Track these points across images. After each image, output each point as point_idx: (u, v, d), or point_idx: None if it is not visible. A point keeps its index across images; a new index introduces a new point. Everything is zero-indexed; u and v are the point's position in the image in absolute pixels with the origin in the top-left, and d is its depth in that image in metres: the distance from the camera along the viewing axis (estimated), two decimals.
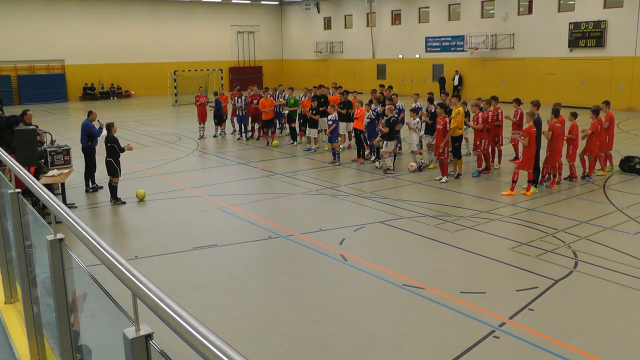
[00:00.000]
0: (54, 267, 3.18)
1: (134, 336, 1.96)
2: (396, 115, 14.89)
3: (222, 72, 40.99)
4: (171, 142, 20.46)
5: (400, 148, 16.52)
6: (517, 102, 14.49)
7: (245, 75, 45.26)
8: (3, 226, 5.14)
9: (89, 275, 2.72)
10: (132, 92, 42.48)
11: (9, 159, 4.46)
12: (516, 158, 14.78)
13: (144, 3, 42.34)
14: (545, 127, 12.49)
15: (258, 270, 8.49)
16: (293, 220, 10.78)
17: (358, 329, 6.47)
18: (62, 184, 11.47)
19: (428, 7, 36.83)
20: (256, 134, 20.74)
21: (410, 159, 15.09)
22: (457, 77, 34.94)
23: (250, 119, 20.60)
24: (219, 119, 21.20)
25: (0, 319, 4.95)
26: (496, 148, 14.75)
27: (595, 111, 13.25)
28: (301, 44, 47.81)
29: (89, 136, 12.78)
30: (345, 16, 43.44)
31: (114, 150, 11.81)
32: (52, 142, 12.67)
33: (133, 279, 1.99)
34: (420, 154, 15.13)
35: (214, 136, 21.46)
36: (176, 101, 35.66)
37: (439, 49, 36.47)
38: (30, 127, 10.74)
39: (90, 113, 13.05)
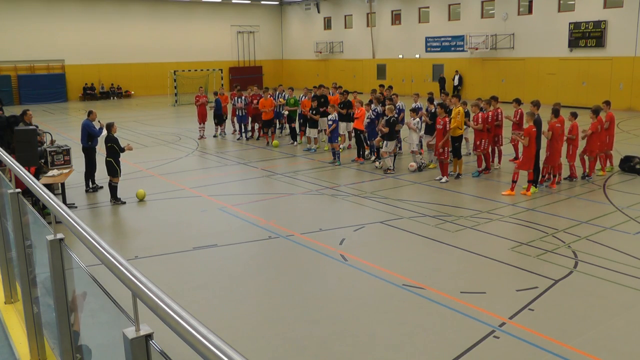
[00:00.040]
0: (54, 267, 3.19)
1: (134, 336, 1.96)
2: (396, 115, 14.90)
3: (222, 72, 40.99)
4: (171, 142, 20.46)
5: (400, 148, 16.52)
6: (517, 102, 14.49)
7: (245, 75, 45.26)
8: (3, 226, 5.14)
9: (89, 275, 2.73)
10: (132, 92, 42.48)
11: (9, 159, 4.46)
12: (516, 158, 14.78)
13: (144, 3, 42.35)
14: (545, 127, 12.49)
15: (258, 270, 8.49)
16: (293, 220, 10.78)
17: (358, 329, 6.47)
18: (62, 184, 11.47)
19: (428, 7, 36.83)
20: (256, 134, 20.74)
21: (410, 159, 15.10)
22: (457, 77, 34.95)
23: (250, 119, 20.60)
24: (219, 119, 21.20)
25: (0, 319, 4.95)
26: (496, 148, 14.75)
27: (596, 111, 13.25)
28: (301, 44, 47.81)
29: (89, 136, 12.78)
30: (345, 16, 43.44)
31: (114, 150, 11.81)
32: (52, 142, 12.67)
33: (133, 279, 1.99)
34: (420, 154, 15.14)
35: (214, 136, 21.46)
36: (176, 101, 35.66)
37: (439, 49, 36.47)
38: (30, 127, 10.74)
39: (90, 113, 13.05)
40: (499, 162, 14.93)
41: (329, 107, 16.73)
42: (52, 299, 3.36)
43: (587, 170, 13.35)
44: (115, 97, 41.22)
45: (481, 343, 6.04)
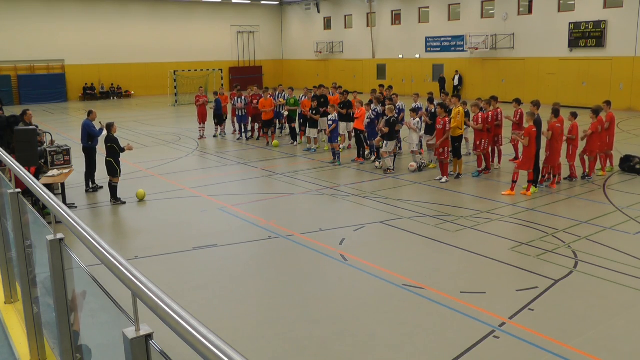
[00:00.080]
0: (54, 267, 3.19)
1: (134, 336, 1.96)
2: (396, 115, 14.90)
3: (222, 72, 40.99)
4: (171, 142, 20.46)
5: (400, 148, 16.52)
6: (517, 102, 14.50)
7: (245, 75, 45.26)
8: (3, 226, 5.14)
9: (89, 275, 2.73)
10: (132, 92, 42.48)
11: (9, 159, 4.46)
12: (516, 158, 14.78)
13: (144, 3, 42.35)
14: (545, 127, 12.49)
15: (258, 270, 8.49)
16: (293, 220, 10.78)
17: (358, 329, 6.47)
18: (62, 184, 11.47)
19: (428, 7, 36.83)
20: (256, 134, 20.74)
21: (410, 159, 15.10)
22: (457, 77, 34.95)
23: (250, 119, 20.61)
24: (219, 119, 21.20)
25: (0, 319, 4.95)
26: (496, 148, 14.75)
27: (596, 111, 13.25)
28: (301, 44, 47.81)
29: (89, 136, 12.78)
30: (345, 16, 43.44)
31: (114, 150, 11.81)
32: (52, 142, 12.67)
33: (133, 279, 1.99)
34: (420, 154, 15.14)
35: (214, 136, 21.46)
36: (176, 101, 35.66)
37: (439, 49, 36.47)
38: (30, 127, 10.74)
39: (90, 113, 13.05)
40: (499, 162, 14.93)
41: (329, 107, 16.74)
42: (52, 299, 3.36)
43: (587, 170, 13.35)
44: (115, 97, 41.22)
45: (481, 343, 6.04)
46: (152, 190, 13.02)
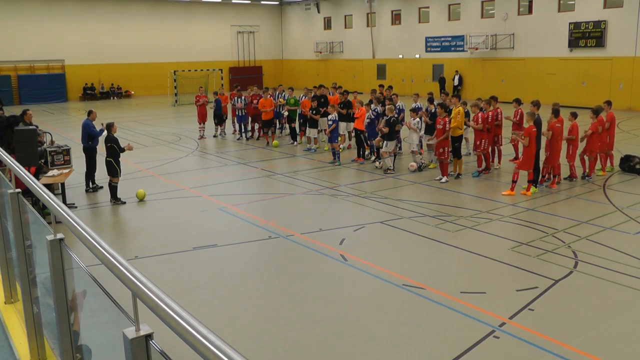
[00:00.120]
0: (54, 267, 3.18)
1: (134, 336, 1.96)
2: (396, 115, 14.90)
3: (222, 72, 40.99)
4: (171, 142, 20.46)
5: (400, 148, 16.52)
6: (517, 102, 14.50)
7: (245, 75, 45.26)
8: (3, 226, 5.14)
9: (89, 275, 2.73)
10: (132, 92, 42.49)
11: (9, 159, 4.46)
12: (516, 158, 14.78)
13: (144, 3, 42.35)
14: (545, 127, 12.49)
15: (258, 270, 8.49)
16: (293, 220, 10.78)
17: (358, 329, 6.47)
18: (62, 184, 11.47)
19: (428, 7, 36.83)
20: (256, 134, 20.74)
21: (410, 159, 15.10)
22: (457, 77, 34.95)
23: (250, 119, 20.61)
24: (219, 119, 21.20)
25: (0, 319, 4.95)
26: (496, 148, 14.75)
27: (596, 111, 13.25)
28: (301, 44, 47.81)
29: (89, 136, 12.78)
30: (345, 16, 43.44)
31: (114, 150, 11.81)
32: (52, 142, 12.67)
33: (133, 279, 1.99)
34: (420, 154, 15.14)
35: (214, 136, 21.46)
36: (176, 101, 35.67)
37: (439, 49, 36.47)
38: (30, 127, 10.74)
39: (90, 113, 13.05)
40: (499, 162, 14.93)
41: (329, 107, 16.74)
42: (52, 299, 3.36)
43: (587, 170, 13.35)
44: (115, 97, 41.22)
45: (481, 343, 6.04)
46: (152, 190, 13.02)
